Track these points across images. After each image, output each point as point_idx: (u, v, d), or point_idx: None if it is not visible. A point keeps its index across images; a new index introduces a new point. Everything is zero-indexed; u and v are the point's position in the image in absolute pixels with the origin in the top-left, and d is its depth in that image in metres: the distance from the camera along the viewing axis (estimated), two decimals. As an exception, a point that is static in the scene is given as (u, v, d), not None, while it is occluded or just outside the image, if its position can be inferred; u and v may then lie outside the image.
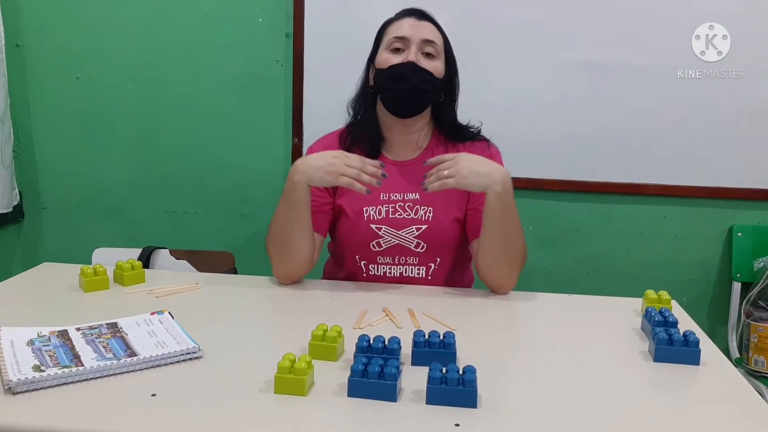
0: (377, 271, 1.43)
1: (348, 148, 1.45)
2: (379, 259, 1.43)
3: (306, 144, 2.01)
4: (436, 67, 1.39)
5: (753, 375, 1.93)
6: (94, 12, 2.12)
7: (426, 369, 0.90)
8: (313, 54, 2.07)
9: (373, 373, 0.88)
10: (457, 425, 0.82)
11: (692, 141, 2.02)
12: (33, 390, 0.87)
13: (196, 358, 0.99)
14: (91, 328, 1.07)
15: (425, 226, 1.40)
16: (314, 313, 1.23)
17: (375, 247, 1.42)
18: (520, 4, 2.00)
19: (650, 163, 2.06)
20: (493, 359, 1.03)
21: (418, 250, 1.41)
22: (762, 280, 1.99)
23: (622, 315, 1.25)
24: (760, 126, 2.00)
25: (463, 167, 1.27)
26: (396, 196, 1.43)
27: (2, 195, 2.10)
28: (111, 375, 0.93)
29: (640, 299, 1.28)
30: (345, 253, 1.46)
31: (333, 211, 1.45)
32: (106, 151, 2.21)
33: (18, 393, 0.87)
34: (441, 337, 1.00)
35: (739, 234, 2.07)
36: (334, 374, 0.95)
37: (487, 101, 2.00)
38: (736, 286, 2.07)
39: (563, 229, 2.14)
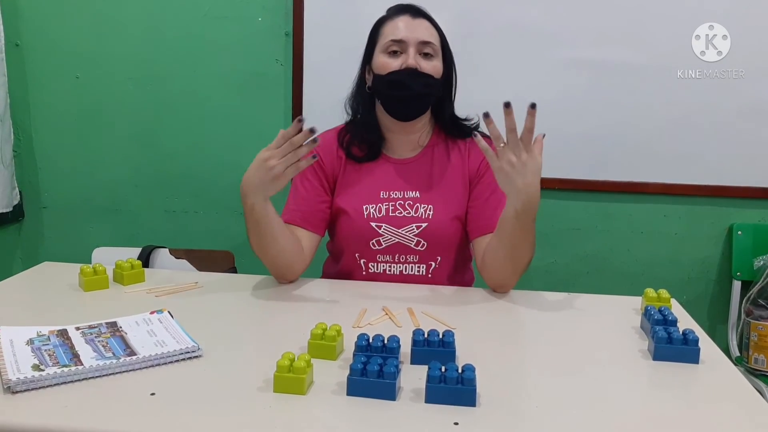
0: (377, 270, 1.43)
1: (347, 147, 1.45)
2: (379, 258, 1.43)
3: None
4: (435, 67, 1.38)
5: (753, 373, 1.94)
6: (94, 11, 2.12)
7: (425, 368, 0.90)
8: (313, 53, 2.07)
9: (372, 371, 0.88)
10: (456, 424, 0.82)
11: (692, 140, 2.03)
12: (32, 389, 0.87)
13: (196, 357, 0.99)
14: (90, 327, 1.07)
15: (425, 224, 1.40)
16: (313, 312, 1.23)
17: (375, 246, 1.42)
18: (521, 3, 2.00)
19: (650, 161, 2.05)
20: (492, 358, 1.02)
21: (419, 248, 1.41)
22: (762, 279, 1.99)
23: (621, 313, 1.25)
24: (760, 125, 2.00)
25: (521, 170, 1.16)
26: (396, 194, 1.43)
27: (2, 194, 2.11)
28: (110, 374, 0.92)
29: (640, 298, 1.28)
30: (345, 251, 1.46)
31: (331, 210, 1.45)
32: (106, 150, 2.21)
33: (17, 392, 0.86)
34: (440, 336, 1.00)
35: (739, 232, 2.07)
36: (333, 373, 0.95)
37: (487, 100, 1.97)
38: (736, 285, 2.07)
39: (563, 228, 2.14)
